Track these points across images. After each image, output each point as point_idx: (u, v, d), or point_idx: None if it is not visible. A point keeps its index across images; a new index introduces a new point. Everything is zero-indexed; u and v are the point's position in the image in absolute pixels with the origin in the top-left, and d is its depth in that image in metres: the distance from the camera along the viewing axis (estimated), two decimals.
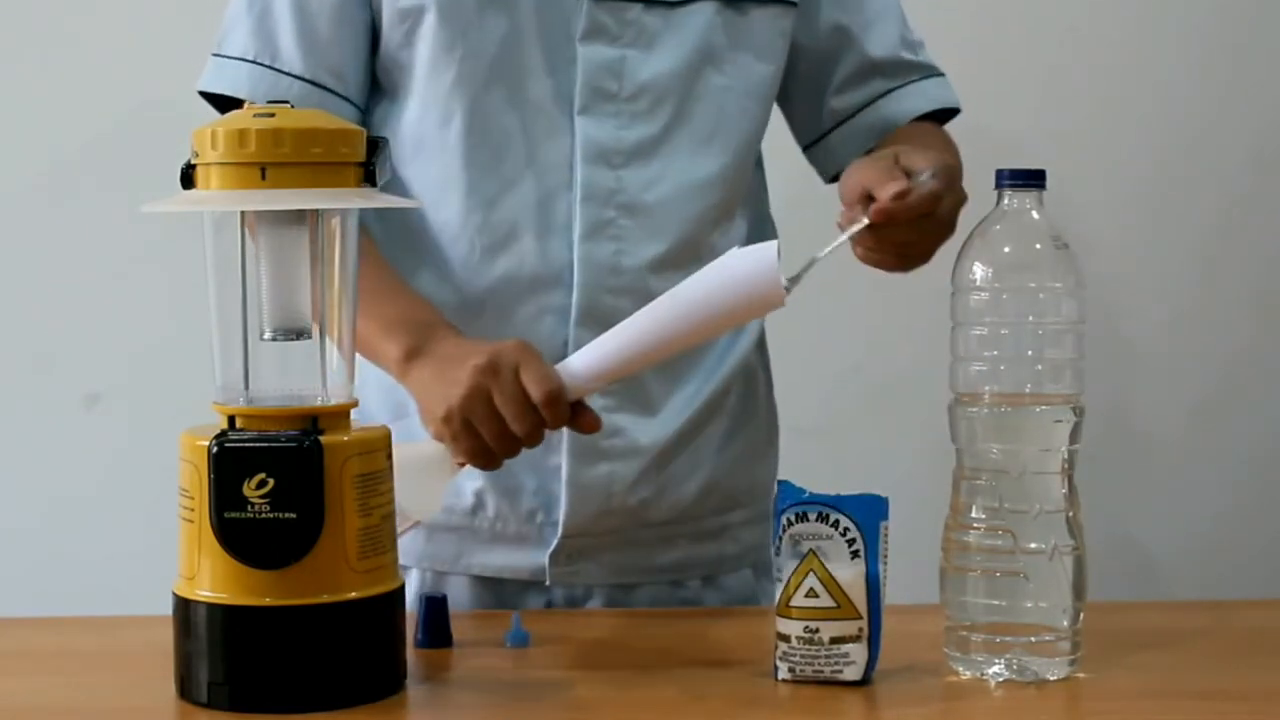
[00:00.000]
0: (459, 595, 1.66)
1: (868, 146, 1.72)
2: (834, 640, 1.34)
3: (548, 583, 1.67)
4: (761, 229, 1.74)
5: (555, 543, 1.66)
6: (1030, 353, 1.37)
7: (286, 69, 1.62)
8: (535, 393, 1.42)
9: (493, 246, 1.62)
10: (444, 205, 1.64)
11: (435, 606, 1.48)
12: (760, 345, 1.77)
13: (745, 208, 1.71)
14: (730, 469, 1.72)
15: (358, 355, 1.45)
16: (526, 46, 1.60)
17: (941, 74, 1.77)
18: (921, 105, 1.75)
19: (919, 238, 1.48)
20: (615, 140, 1.62)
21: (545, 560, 1.67)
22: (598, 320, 1.59)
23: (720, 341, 1.70)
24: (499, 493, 1.66)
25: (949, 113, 1.78)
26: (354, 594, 1.30)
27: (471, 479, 1.65)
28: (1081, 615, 1.37)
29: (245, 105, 1.34)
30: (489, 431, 1.44)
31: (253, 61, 1.63)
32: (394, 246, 1.66)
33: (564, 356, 1.50)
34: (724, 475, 1.71)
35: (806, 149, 1.79)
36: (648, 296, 1.59)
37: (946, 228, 1.50)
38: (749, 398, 1.74)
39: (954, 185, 1.49)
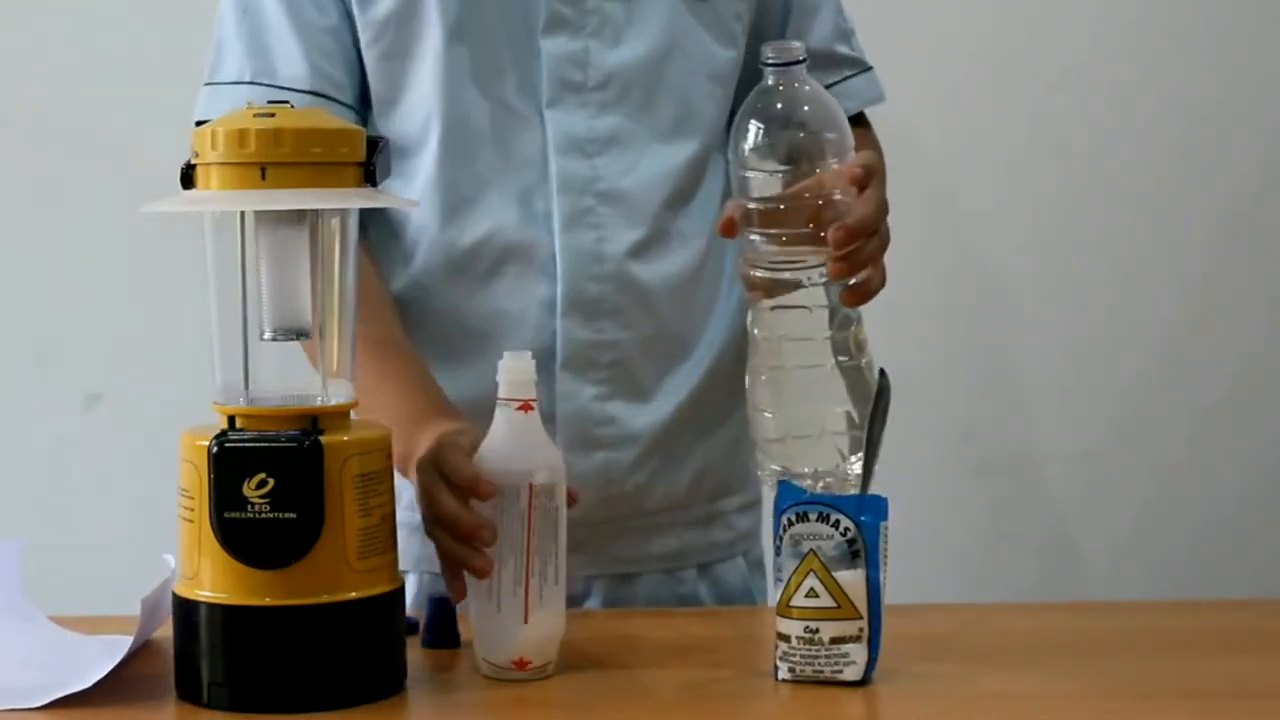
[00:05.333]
0: None
1: None
2: (834, 640, 1.34)
3: None
4: None
5: None
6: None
7: (288, 84, 1.62)
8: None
9: (475, 245, 1.63)
10: (422, 210, 1.64)
11: (441, 606, 1.48)
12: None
13: (715, 193, 1.70)
14: (723, 454, 1.72)
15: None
16: (492, 45, 1.62)
17: (869, 67, 1.79)
18: (851, 107, 1.75)
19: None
20: (587, 130, 1.63)
21: None
22: (583, 310, 1.62)
23: (711, 322, 1.70)
24: None
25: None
26: (354, 594, 1.30)
27: None
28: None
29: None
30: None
31: (251, 82, 1.63)
32: (381, 251, 1.67)
33: (553, 349, 1.58)
34: (716, 461, 1.72)
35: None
36: (630, 283, 1.62)
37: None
38: (740, 381, 1.74)
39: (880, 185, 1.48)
